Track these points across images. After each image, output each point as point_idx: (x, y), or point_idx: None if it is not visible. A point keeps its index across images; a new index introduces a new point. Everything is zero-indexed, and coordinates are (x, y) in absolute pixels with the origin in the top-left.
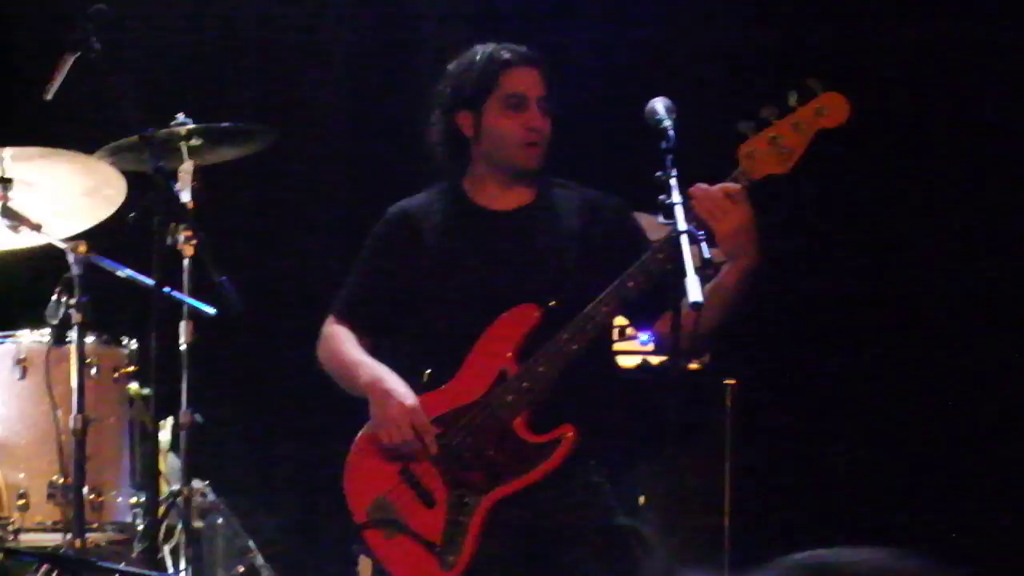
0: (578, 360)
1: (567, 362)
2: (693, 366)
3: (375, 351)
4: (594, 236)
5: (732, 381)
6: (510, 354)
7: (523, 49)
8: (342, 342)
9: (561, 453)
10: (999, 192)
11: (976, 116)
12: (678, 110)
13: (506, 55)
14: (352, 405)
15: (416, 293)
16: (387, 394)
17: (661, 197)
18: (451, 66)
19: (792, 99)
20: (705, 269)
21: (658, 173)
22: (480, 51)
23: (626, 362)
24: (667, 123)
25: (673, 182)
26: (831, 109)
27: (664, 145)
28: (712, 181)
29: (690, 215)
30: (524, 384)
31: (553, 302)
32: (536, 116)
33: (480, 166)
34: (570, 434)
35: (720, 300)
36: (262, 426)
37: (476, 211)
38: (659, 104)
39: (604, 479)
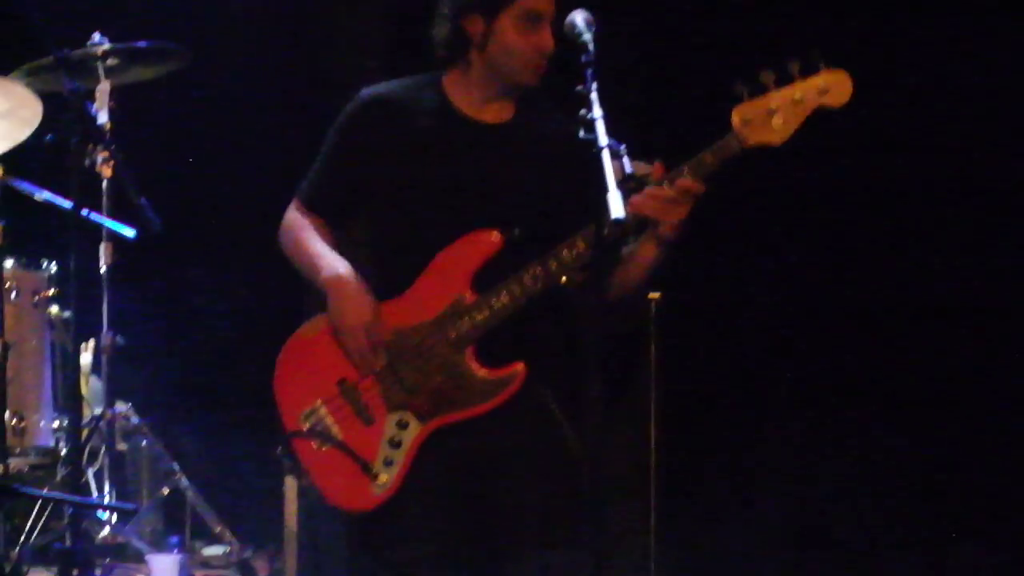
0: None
1: (529, 298)
2: None
3: (336, 244)
4: (568, 167)
5: (656, 295)
6: (468, 279)
7: None
8: (305, 231)
9: (509, 391)
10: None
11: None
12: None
13: None
14: (276, 325)
15: (383, 188)
16: (346, 296)
17: (582, 112)
18: None
19: (793, 67)
20: (627, 183)
21: (578, 87)
22: None
23: None
24: (587, 36)
25: (593, 96)
26: (834, 89)
27: (584, 59)
28: (698, 138)
29: (612, 138)
30: (482, 315)
31: (517, 230)
32: (549, 38)
33: (476, 71)
34: (520, 372)
35: (640, 267)
36: (184, 347)
37: (456, 117)
38: (579, 17)
39: (549, 400)
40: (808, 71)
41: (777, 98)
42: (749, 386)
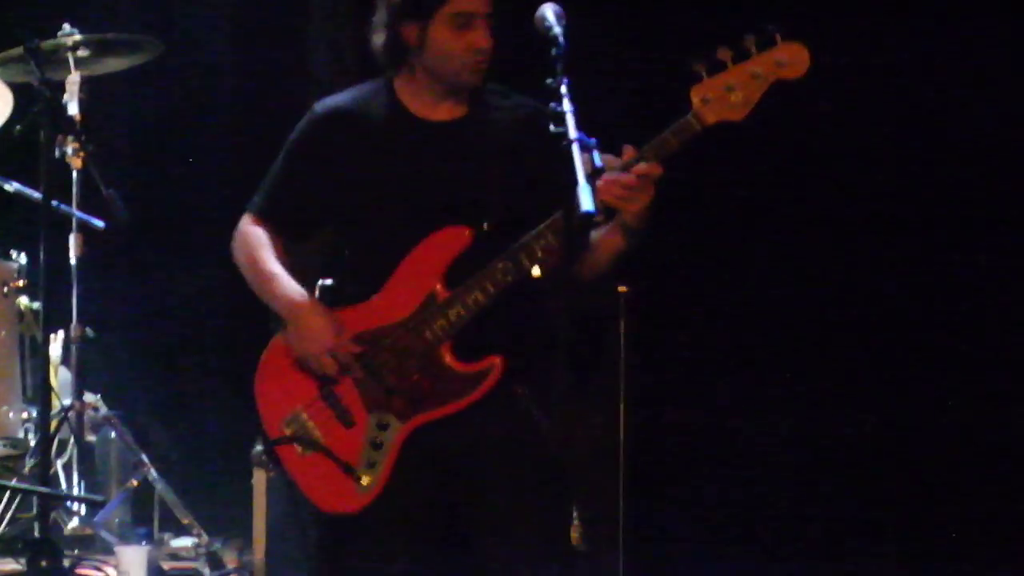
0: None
1: (501, 291)
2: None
3: (287, 253)
4: (527, 153)
5: (624, 288)
6: (440, 276)
7: None
8: (259, 248)
9: (488, 384)
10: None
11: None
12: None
13: None
14: (245, 319)
15: (343, 199)
16: (305, 324)
17: (552, 105)
18: None
19: (750, 43)
20: (597, 177)
21: (548, 80)
22: None
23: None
24: (557, 30)
25: (564, 89)
26: (791, 61)
27: (555, 52)
28: (661, 119)
29: (583, 136)
30: (455, 311)
31: (485, 224)
32: (482, 36)
33: (420, 74)
34: (497, 364)
35: (607, 254)
36: (153, 338)
37: (410, 120)
38: (548, 11)
39: (525, 396)
40: (765, 45)
41: (735, 74)
42: (717, 377)
